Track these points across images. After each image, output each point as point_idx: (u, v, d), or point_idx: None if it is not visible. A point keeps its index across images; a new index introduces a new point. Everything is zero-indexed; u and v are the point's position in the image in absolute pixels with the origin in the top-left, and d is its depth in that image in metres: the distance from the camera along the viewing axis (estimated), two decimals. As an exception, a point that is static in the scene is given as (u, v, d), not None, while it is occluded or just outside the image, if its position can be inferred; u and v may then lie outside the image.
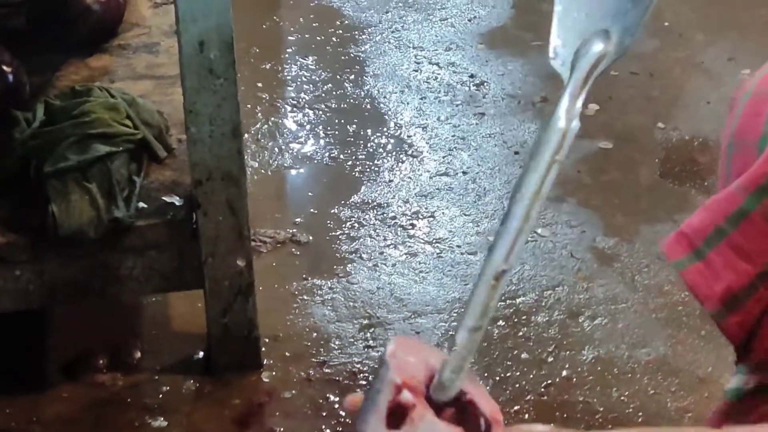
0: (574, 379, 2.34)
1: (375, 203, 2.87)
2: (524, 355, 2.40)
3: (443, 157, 3.05)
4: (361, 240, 2.74)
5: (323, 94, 3.35)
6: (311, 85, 3.40)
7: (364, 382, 2.29)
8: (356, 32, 3.69)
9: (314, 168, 3.04)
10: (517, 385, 2.32)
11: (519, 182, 1.08)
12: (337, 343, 2.43)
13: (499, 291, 1.08)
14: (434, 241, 2.73)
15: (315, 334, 2.45)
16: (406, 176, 2.98)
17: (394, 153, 3.07)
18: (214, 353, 2.33)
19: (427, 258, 2.68)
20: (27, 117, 2.30)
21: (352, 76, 3.44)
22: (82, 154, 2.19)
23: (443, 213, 2.83)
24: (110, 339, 2.42)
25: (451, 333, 2.46)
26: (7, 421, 2.24)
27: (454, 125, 3.19)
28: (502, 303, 2.54)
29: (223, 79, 2.08)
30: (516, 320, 2.50)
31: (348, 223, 2.80)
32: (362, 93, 3.36)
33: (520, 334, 2.46)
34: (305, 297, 2.56)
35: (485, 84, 3.39)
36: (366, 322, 2.49)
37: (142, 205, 2.20)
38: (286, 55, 3.57)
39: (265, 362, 2.36)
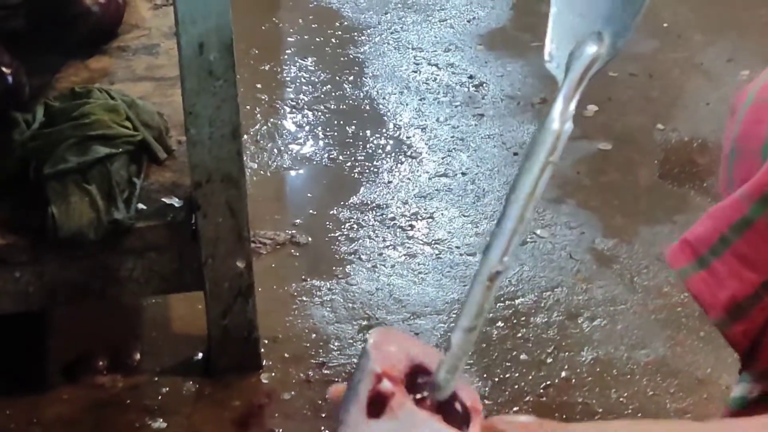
0: (573, 381, 2.34)
1: (374, 204, 2.87)
2: (523, 356, 2.41)
3: (442, 158, 3.05)
4: (360, 241, 2.75)
5: (322, 96, 3.35)
6: (310, 87, 3.40)
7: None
8: (355, 33, 3.69)
9: (313, 169, 3.04)
10: (516, 387, 2.33)
11: (513, 184, 1.09)
12: (336, 344, 2.43)
13: (494, 291, 1.08)
14: (433, 242, 2.74)
15: (314, 336, 2.45)
16: (405, 177, 2.98)
17: (393, 154, 3.08)
18: (214, 355, 2.33)
19: (426, 259, 2.69)
20: (26, 118, 2.30)
21: (352, 77, 3.44)
22: (81, 155, 2.19)
23: (442, 214, 2.84)
24: (110, 340, 2.42)
25: (449, 334, 2.45)
26: (7, 422, 2.24)
27: (453, 126, 3.20)
28: (501, 304, 2.54)
29: (222, 81, 2.08)
30: (515, 321, 2.50)
31: (347, 225, 2.80)
32: (361, 94, 3.36)
33: (519, 335, 2.47)
34: (304, 298, 2.56)
35: (484, 85, 3.39)
36: (365, 323, 2.49)
37: (141, 206, 2.20)
38: (286, 57, 3.58)
39: (264, 364, 2.36)
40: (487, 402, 2.28)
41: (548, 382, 2.34)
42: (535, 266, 2.66)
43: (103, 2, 2.65)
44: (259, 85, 3.38)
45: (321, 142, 3.14)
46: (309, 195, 2.94)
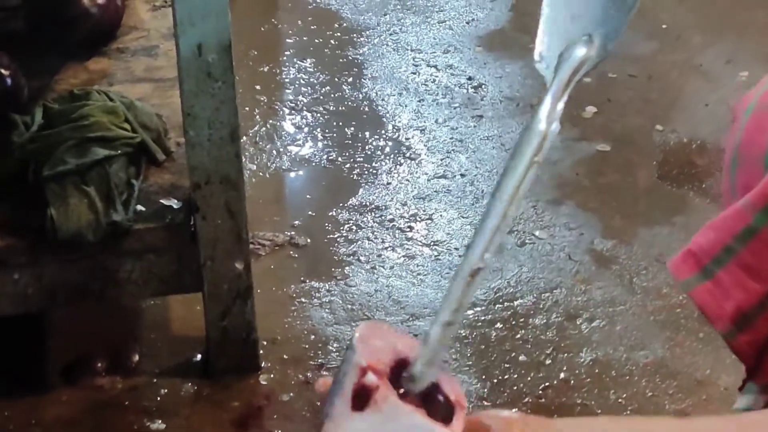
0: (572, 382, 2.34)
1: (373, 206, 2.87)
2: (522, 358, 2.41)
3: (441, 160, 3.05)
4: (359, 243, 2.75)
5: (321, 97, 3.35)
6: (309, 88, 3.40)
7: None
8: (354, 35, 3.69)
9: (312, 171, 3.04)
10: (515, 388, 2.33)
11: (498, 182, 1.09)
12: (335, 345, 2.43)
13: (474, 288, 1.09)
14: (432, 243, 2.74)
15: (313, 337, 2.46)
16: (404, 179, 2.98)
17: (392, 155, 3.08)
18: (213, 356, 2.33)
19: (425, 260, 2.69)
20: (25, 120, 2.30)
21: (351, 79, 3.44)
22: (80, 157, 2.19)
23: (441, 215, 2.84)
24: (109, 342, 2.42)
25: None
26: (7, 423, 2.24)
27: (452, 128, 3.20)
28: (500, 305, 2.54)
29: (221, 83, 2.08)
30: (514, 323, 2.50)
31: (346, 226, 2.80)
32: (360, 95, 3.36)
33: (518, 336, 2.47)
34: (303, 300, 2.57)
35: (483, 86, 3.39)
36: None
37: (140, 208, 2.20)
38: (285, 58, 3.58)
39: (263, 365, 2.36)
40: (485, 403, 2.29)
41: (547, 384, 2.34)
42: (534, 267, 2.66)
43: (101, 4, 2.65)
44: (258, 87, 3.38)
45: (320, 144, 3.14)
46: (308, 196, 2.94)
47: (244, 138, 3.08)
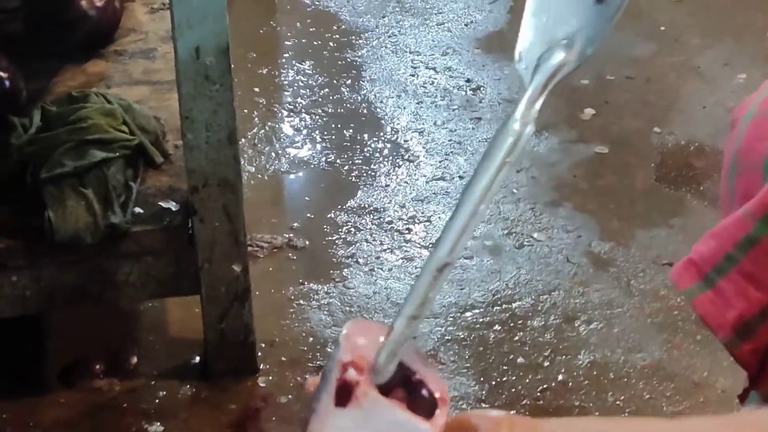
0: (570, 384, 2.35)
1: (371, 208, 2.88)
2: (520, 360, 2.41)
3: (440, 162, 3.06)
4: (358, 245, 2.75)
5: (320, 99, 3.35)
6: (308, 90, 3.40)
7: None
8: (353, 37, 3.69)
9: (311, 173, 3.04)
10: (513, 390, 2.33)
11: (470, 181, 1.10)
12: (333, 348, 2.43)
13: (441, 283, 1.10)
14: (430, 245, 2.74)
15: (311, 339, 2.46)
16: (402, 181, 2.98)
17: (390, 158, 3.08)
18: (211, 358, 2.33)
19: (424, 262, 2.68)
20: (23, 123, 2.30)
21: (349, 81, 3.44)
22: (78, 160, 2.19)
23: (439, 218, 2.84)
24: (107, 344, 2.42)
25: (447, 338, 2.46)
26: (4, 425, 2.24)
27: (451, 130, 3.20)
28: (498, 307, 2.55)
29: (219, 85, 2.08)
30: (512, 325, 2.50)
31: (344, 228, 2.80)
32: (359, 98, 3.36)
33: (516, 338, 2.47)
34: (302, 302, 2.57)
35: (482, 89, 3.40)
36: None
37: (138, 210, 2.21)
38: (283, 60, 3.58)
39: (261, 367, 2.36)
40: (483, 405, 2.29)
41: (545, 386, 2.34)
42: (532, 270, 2.67)
43: (100, 6, 2.66)
44: (256, 89, 3.39)
45: (318, 146, 3.14)
46: (306, 199, 2.95)
47: (243, 140, 3.09)
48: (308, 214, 2.86)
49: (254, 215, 2.70)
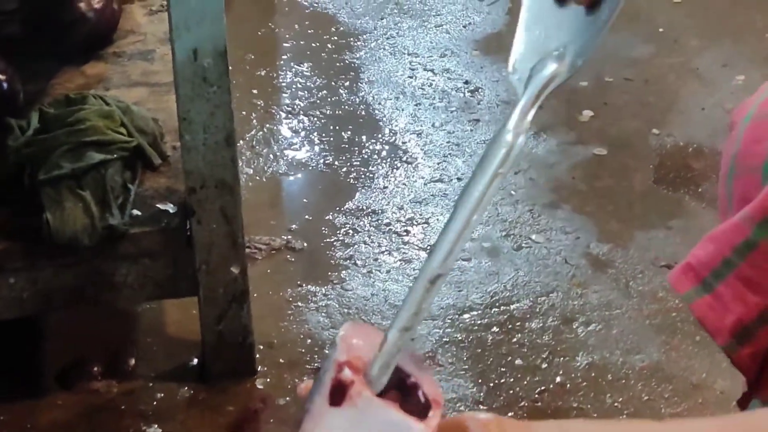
0: (568, 386, 2.35)
1: (369, 210, 2.88)
2: (518, 362, 2.41)
3: (438, 164, 3.06)
4: (356, 247, 2.75)
5: (318, 101, 3.35)
6: (306, 92, 3.40)
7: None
8: (351, 39, 3.69)
9: (309, 175, 3.04)
10: (511, 392, 2.33)
11: (462, 192, 1.11)
12: (329, 349, 2.43)
13: (433, 294, 1.11)
14: (428, 247, 2.73)
15: (309, 341, 2.46)
16: (400, 183, 2.98)
17: (388, 159, 3.08)
18: (209, 360, 2.33)
19: (422, 264, 2.68)
20: (21, 125, 2.30)
21: (347, 83, 3.44)
22: (76, 161, 2.19)
23: (438, 219, 2.84)
24: (105, 346, 2.42)
25: (445, 340, 2.46)
26: (2, 428, 2.24)
27: (449, 132, 3.20)
28: (496, 309, 2.54)
29: (216, 87, 2.08)
30: (510, 326, 2.50)
31: (342, 230, 2.80)
32: (357, 99, 3.36)
33: (514, 340, 2.47)
34: (300, 304, 2.57)
35: (480, 90, 3.40)
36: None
37: (136, 212, 2.21)
38: (282, 62, 3.58)
39: (259, 369, 2.36)
40: (482, 407, 2.29)
41: (543, 388, 2.34)
42: (530, 271, 2.67)
43: (98, 8, 2.65)
44: (255, 91, 3.39)
45: (317, 148, 3.14)
46: (305, 200, 2.95)
47: (241, 142, 3.09)
48: (306, 216, 2.86)
49: (252, 217, 2.70)
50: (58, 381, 2.34)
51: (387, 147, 3.13)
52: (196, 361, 2.38)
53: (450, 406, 2.28)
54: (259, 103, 3.33)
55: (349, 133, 3.20)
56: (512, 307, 2.56)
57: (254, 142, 3.15)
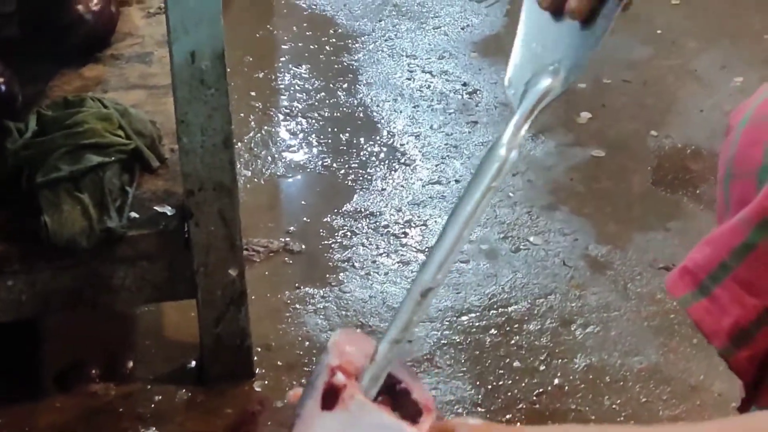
0: (566, 388, 2.34)
1: (368, 212, 2.88)
2: (516, 364, 2.41)
3: (436, 166, 3.06)
4: (354, 249, 2.75)
5: (316, 103, 3.35)
6: (304, 94, 3.40)
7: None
8: (349, 41, 3.69)
9: (307, 177, 3.04)
10: (509, 394, 2.33)
11: (456, 204, 1.12)
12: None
13: (425, 307, 1.12)
14: (426, 249, 2.73)
15: (307, 344, 2.46)
16: (398, 185, 2.98)
17: (386, 161, 3.08)
18: (207, 363, 2.33)
19: (419, 266, 2.68)
20: (19, 127, 2.30)
21: (345, 85, 3.44)
22: (74, 164, 2.19)
23: (436, 221, 2.84)
24: (103, 348, 2.42)
25: (443, 342, 2.46)
26: (1, 430, 2.24)
27: (447, 133, 3.20)
28: (495, 311, 2.54)
29: (214, 90, 2.08)
30: (508, 328, 2.50)
31: (341, 232, 2.80)
32: (355, 101, 3.36)
33: (512, 342, 2.47)
34: (298, 306, 2.57)
35: (478, 92, 3.40)
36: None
37: (134, 215, 2.20)
38: (280, 64, 3.58)
39: (257, 371, 2.36)
40: (480, 409, 2.29)
41: (541, 389, 2.34)
42: (528, 273, 2.67)
43: (96, 10, 2.65)
44: (253, 93, 3.39)
45: (315, 150, 3.14)
46: (303, 203, 2.94)
47: (239, 144, 3.09)
48: (304, 218, 2.86)
49: (250, 219, 2.70)
50: (56, 383, 2.34)
51: (385, 149, 3.13)
52: (194, 363, 2.38)
53: (448, 408, 2.28)
54: (257, 105, 3.33)
55: (347, 135, 3.20)
56: (510, 309, 2.56)
57: (252, 144, 3.15)
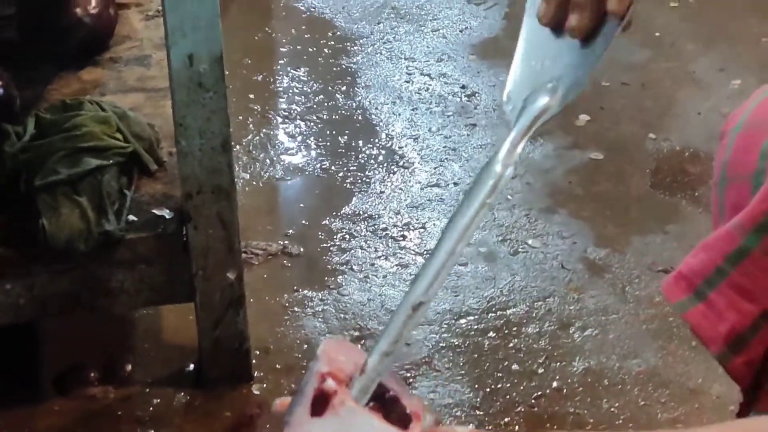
0: (565, 391, 2.34)
1: (366, 215, 2.88)
2: (515, 367, 2.41)
3: (434, 169, 3.06)
4: (352, 251, 2.75)
5: (315, 106, 3.35)
6: (303, 97, 3.40)
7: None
8: (348, 43, 3.69)
9: (306, 179, 3.04)
10: (508, 397, 2.33)
11: (450, 219, 1.12)
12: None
13: (416, 321, 1.12)
14: (425, 252, 2.74)
15: (306, 347, 2.45)
16: (397, 187, 2.98)
17: (385, 164, 3.08)
18: (206, 366, 2.33)
19: (418, 269, 2.68)
20: (17, 130, 2.30)
21: (344, 88, 3.44)
22: (72, 167, 2.19)
23: (434, 224, 2.84)
24: (102, 351, 2.42)
25: (441, 345, 2.46)
26: (-1, 433, 2.25)
27: (446, 136, 3.20)
28: (493, 314, 2.54)
29: (212, 93, 2.08)
30: (506, 331, 2.50)
31: (339, 235, 2.80)
32: (354, 104, 3.36)
33: (511, 345, 2.47)
34: (296, 309, 2.57)
35: (477, 95, 3.40)
36: (357, 334, 2.49)
37: (132, 218, 2.20)
38: (278, 67, 3.58)
39: (256, 374, 2.36)
40: (478, 413, 2.29)
41: (539, 393, 2.34)
42: (526, 276, 2.67)
43: (95, 13, 2.65)
44: (251, 96, 3.39)
45: (313, 153, 3.14)
46: (301, 205, 2.94)
47: (238, 147, 3.09)
48: (303, 221, 2.86)
49: (249, 222, 2.70)
50: (55, 386, 2.34)
51: (384, 152, 3.13)
52: (192, 366, 2.38)
53: (446, 412, 2.28)
54: (255, 107, 3.33)
55: (345, 137, 3.20)
56: (509, 312, 2.56)
57: (251, 147, 3.15)
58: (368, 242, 2.78)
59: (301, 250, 2.75)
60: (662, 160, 3.09)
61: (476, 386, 2.35)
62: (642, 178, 3.02)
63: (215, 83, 2.07)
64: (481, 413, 2.28)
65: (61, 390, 2.33)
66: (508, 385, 2.36)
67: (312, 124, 3.27)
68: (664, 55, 3.59)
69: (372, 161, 3.09)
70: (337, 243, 2.78)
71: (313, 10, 3.91)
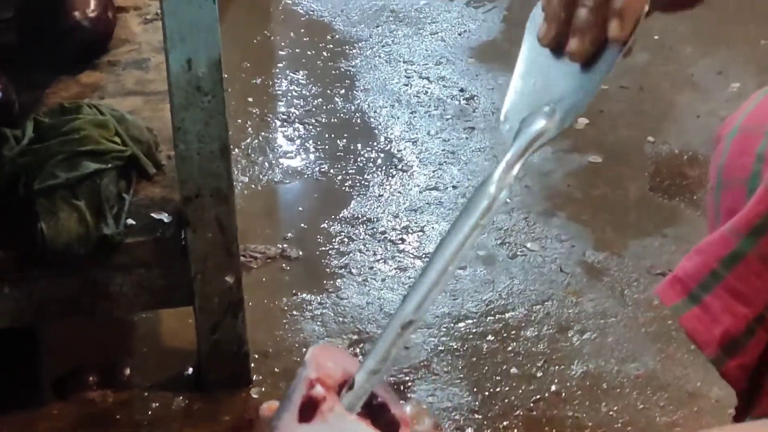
0: (563, 394, 2.35)
1: (365, 218, 2.88)
2: (513, 370, 2.41)
3: (433, 172, 3.06)
4: (351, 255, 2.75)
5: (313, 109, 3.35)
6: (302, 100, 3.40)
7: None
8: (347, 47, 3.69)
9: (304, 183, 3.04)
10: (506, 400, 2.33)
11: (442, 239, 1.12)
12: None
13: (404, 339, 1.11)
14: (424, 255, 2.74)
15: (304, 350, 2.45)
16: (395, 191, 2.98)
17: (383, 167, 3.08)
18: (204, 369, 2.33)
19: (417, 273, 2.68)
20: (16, 134, 2.30)
21: (343, 91, 3.44)
22: (71, 171, 2.19)
23: (433, 228, 2.84)
24: (101, 356, 2.42)
25: (440, 348, 2.46)
26: (-2, 437, 2.25)
27: (444, 139, 3.20)
28: (492, 318, 2.54)
29: (211, 97, 2.08)
30: (505, 335, 2.50)
31: (338, 238, 2.80)
32: (352, 107, 3.36)
33: (509, 348, 2.47)
34: (295, 312, 2.57)
35: (475, 98, 3.40)
36: (355, 337, 2.49)
37: (131, 222, 2.20)
38: (277, 70, 3.58)
39: (254, 378, 2.36)
40: (477, 416, 2.29)
41: (538, 396, 2.34)
42: (525, 279, 2.67)
43: (93, 17, 2.65)
44: (250, 99, 3.39)
45: (312, 156, 3.14)
46: (300, 209, 2.94)
47: (236, 150, 3.09)
48: (302, 225, 2.86)
49: (247, 226, 2.70)
50: (54, 390, 2.34)
51: (382, 155, 3.14)
52: (191, 370, 2.38)
53: (445, 415, 2.28)
54: (254, 111, 3.33)
55: (344, 141, 3.20)
56: (507, 315, 2.56)
57: (249, 151, 3.15)
58: (367, 245, 2.78)
59: (300, 253, 2.75)
60: (661, 164, 3.09)
61: (475, 390, 2.35)
62: (641, 181, 3.02)
63: (214, 87, 2.07)
64: (480, 417, 2.28)
65: (60, 394, 2.33)
66: (507, 388, 2.36)
67: (311, 127, 3.27)
68: (662, 58, 3.59)
69: (371, 164, 3.09)
70: (336, 246, 2.78)
71: (311, 13, 3.91)
